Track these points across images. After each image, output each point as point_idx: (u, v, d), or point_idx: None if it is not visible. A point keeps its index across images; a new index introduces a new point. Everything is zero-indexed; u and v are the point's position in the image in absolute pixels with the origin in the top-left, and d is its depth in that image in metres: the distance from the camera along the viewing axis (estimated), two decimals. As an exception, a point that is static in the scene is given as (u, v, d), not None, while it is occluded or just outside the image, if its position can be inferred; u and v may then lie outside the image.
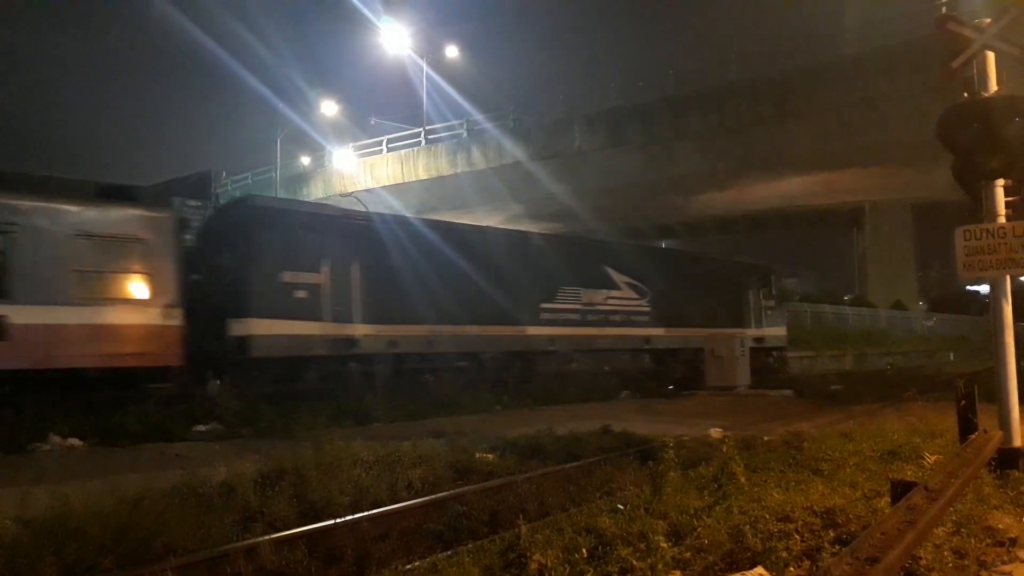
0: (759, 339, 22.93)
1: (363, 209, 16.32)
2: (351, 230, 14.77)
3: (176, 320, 12.37)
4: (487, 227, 21.09)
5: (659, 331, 20.01)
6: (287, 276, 13.46)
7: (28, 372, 10.96)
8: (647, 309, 19.96)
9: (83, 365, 11.53)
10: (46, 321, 11.22)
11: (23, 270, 11.14)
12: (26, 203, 11.40)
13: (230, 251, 13.48)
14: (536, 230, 31.67)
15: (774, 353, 24.13)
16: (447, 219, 20.93)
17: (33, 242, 11.23)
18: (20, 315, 10.91)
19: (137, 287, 12.17)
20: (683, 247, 49.10)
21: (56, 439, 10.20)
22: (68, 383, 11.30)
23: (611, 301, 19.15)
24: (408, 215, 19.98)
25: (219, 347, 12.91)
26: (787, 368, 24.74)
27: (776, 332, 24.13)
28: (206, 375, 12.95)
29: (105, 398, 11.39)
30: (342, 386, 13.75)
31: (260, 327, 13.04)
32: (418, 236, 15.52)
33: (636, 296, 19.78)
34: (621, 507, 4.92)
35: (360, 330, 14.24)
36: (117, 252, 12.07)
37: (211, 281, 13.26)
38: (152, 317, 12.19)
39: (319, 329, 13.75)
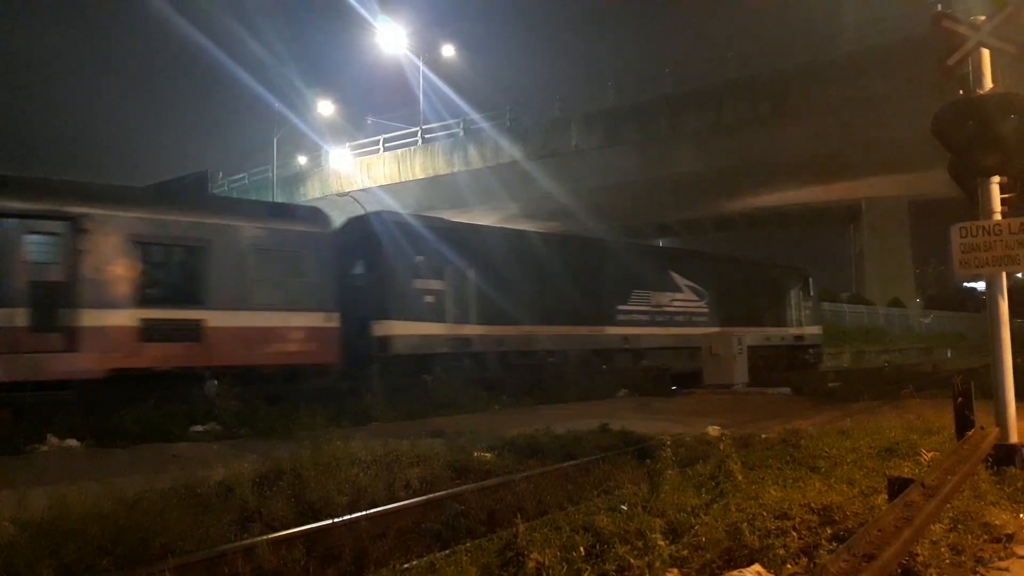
0: (799, 337, 25.15)
1: (452, 220, 18.58)
2: (466, 241, 16.88)
3: (333, 323, 14.36)
4: (574, 237, 24.80)
5: (717, 331, 21.44)
6: (417, 283, 15.62)
7: (220, 369, 12.93)
8: (705, 310, 22.10)
9: (262, 363, 13.59)
10: (233, 324, 13.25)
11: (214, 280, 13.23)
12: (216, 223, 13.48)
13: (368, 261, 15.49)
14: (532, 229, 31.76)
15: (810, 350, 26.06)
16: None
17: (222, 256, 13.35)
18: (213, 319, 12.98)
19: (303, 295, 14.11)
20: (681, 245, 49.16)
21: (54, 440, 10.20)
22: (248, 378, 13.04)
23: (675, 303, 21.34)
24: (518, 228, 22.63)
25: (364, 346, 14.84)
26: (821, 363, 26.32)
27: (813, 330, 26.14)
28: (356, 371, 14.59)
29: (119, 399, 11.47)
30: (458, 379, 15.46)
31: (397, 328, 15.22)
32: (519, 245, 18.09)
33: (696, 298, 21.94)
34: (624, 507, 4.92)
35: (475, 330, 16.38)
36: (286, 264, 14.14)
37: (352, 287, 15.05)
38: (315, 321, 14.17)
39: (443, 330, 15.94)
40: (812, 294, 26.47)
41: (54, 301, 11.63)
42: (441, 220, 18.21)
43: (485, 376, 16.04)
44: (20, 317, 11.32)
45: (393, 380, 14.39)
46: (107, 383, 11.85)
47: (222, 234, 13.38)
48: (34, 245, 11.67)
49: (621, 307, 19.85)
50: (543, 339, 17.67)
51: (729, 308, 22.79)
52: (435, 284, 15.86)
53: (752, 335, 21.79)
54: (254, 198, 42.53)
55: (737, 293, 23.34)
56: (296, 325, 13.95)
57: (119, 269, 12.26)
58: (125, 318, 12.20)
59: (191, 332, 12.79)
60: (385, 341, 15.05)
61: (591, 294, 18.96)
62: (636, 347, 19.72)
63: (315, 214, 15.60)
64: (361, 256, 15.57)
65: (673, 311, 21.26)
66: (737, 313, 22.92)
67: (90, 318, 11.88)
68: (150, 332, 12.39)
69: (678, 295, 21.53)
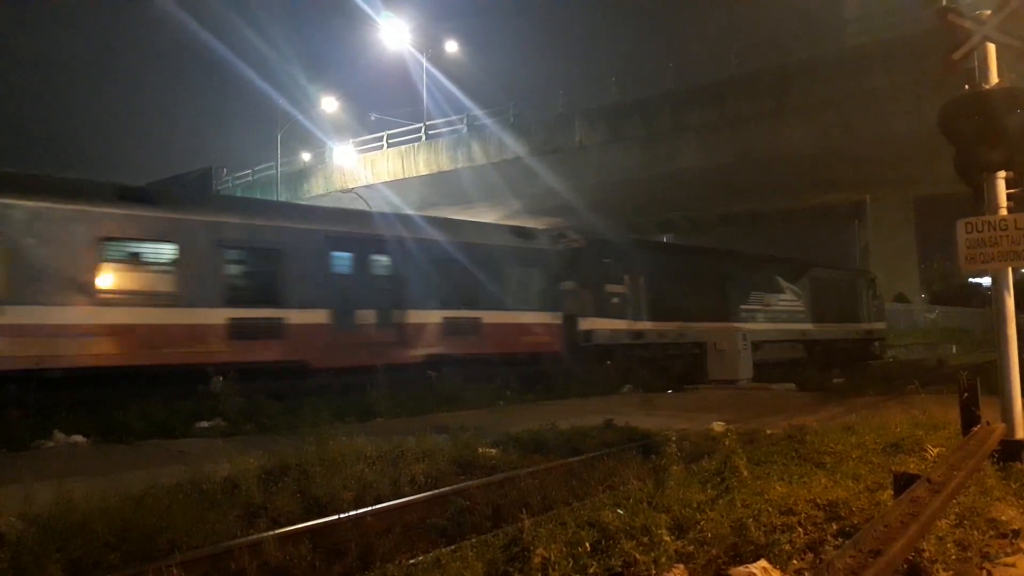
0: (869, 331, 29.23)
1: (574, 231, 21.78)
2: (640, 253, 21.55)
3: (559, 320, 18.48)
4: (713, 249, 28.86)
5: (810, 326, 25.94)
6: (607, 288, 19.54)
7: (492, 355, 16.86)
8: (802, 309, 25.98)
9: (517, 351, 17.56)
10: (499, 321, 17.19)
11: (487, 287, 17.02)
12: (489, 242, 17.73)
13: (577, 271, 19.20)
14: (536, 226, 31.68)
15: (876, 342, 30.01)
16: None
17: (500, 268, 17.36)
18: (487, 318, 16.99)
19: (541, 298, 18.30)
20: (684, 241, 49.13)
21: (60, 436, 10.23)
22: (510, 363, 17.07)
23: (781, 303, 25.25)
24: (674, 243, 27.19)
25: (572, 337, 18.60)
26: (884, 353, 30.30)
27: (879, 325, 30.15)
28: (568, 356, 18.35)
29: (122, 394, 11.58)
30: (633, 365, 19.27)
31: (596, 324, 19.23)
32: (674, 256, 23.79)
33: (795, 299, 25.81)
34: (620, 512, 4.91)
35: (645, 325, 20.30)
36: (534, 273, 18.27)
37: (564, 292, 19.10)
38: (548, 319, 18.32)
39: (624, 325, 19.85)
40: (878, 294, 30.37)
41: (391, 303, 15.65)
42: (622, 238, 22.72)
43: (654, 362, 20.14)
44: (371, 316, 15.35)
45: (589, 365, 18.44)
46: (424, 366, 15.67)
47: (497, 251, 17.55)
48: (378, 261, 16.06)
49: (743, 307, 23.78)
50: (692, 332, 21.36)
51: (819, 307, 26.52)
52: (619, 289, 19.85)
53: (838, 329, 26.93)
54: (258, 195, 42.59)
55: (824, 294, 26.98)
56: (537, 322, 18.09)
57: (438, 281, 16.32)
58: (437, 317, 16.19)
59: (475, 327, 16.75)
60: (588, 334, 19.08)
61: (724, 295, 23.16)
62: (754, 340, 22.34)
63: (545, 236, 20.01)
64: (571, 267, 19.22)
65: (779, 309, 25.14)
66: (825, 311, 26.73)
67: (414, 316, 15.93)
68: (451, 327, 16.32)
69: (782, 296, 25.44)
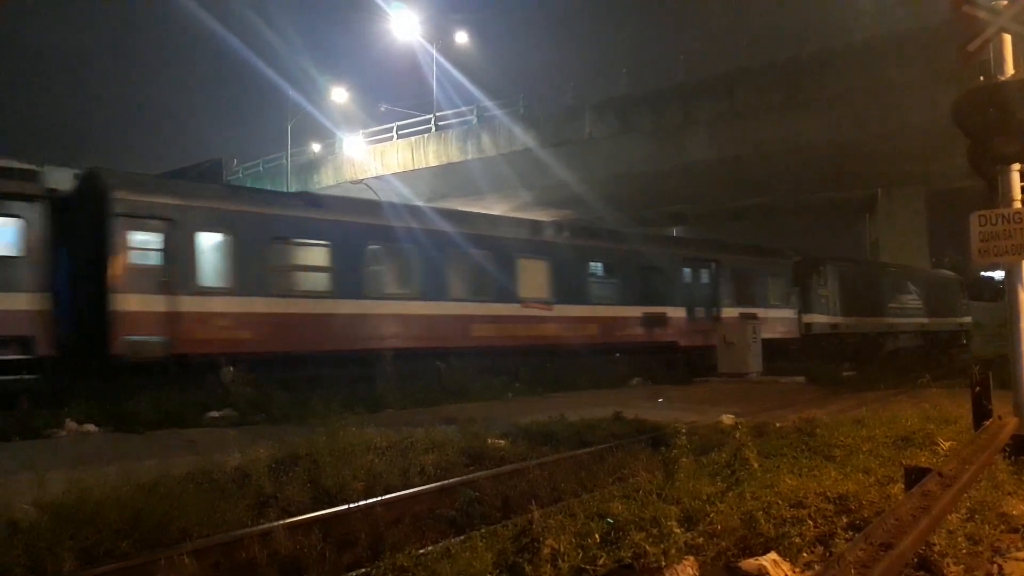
0: (960, 324, 35.43)
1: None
2: (832, 266, 27.60)
3: (795, 315, 25.05)
4: (874, 261, 37.42)
5: (926, 320, 33.44)
6: (820, 291, 26.39)
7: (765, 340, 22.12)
8: (923, 307, 33.11)
9: (773, 337, 23.03)
10: (768, 316, 23.45)
11: (761, 292, 24.23)
12: (736, 257, 24.46)
13: (799, 279, 25.71)
14: (545, 217, 31.64)
15: (964, 333, 35.09)
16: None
17: (765, 278, 24.67)
18: (760, 313, 23.08)
19: (783, 299, 25.08)
20: (695, 235, 49.00)
21: (72, 425, 10.29)
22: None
23: (910, 302, 32.40)
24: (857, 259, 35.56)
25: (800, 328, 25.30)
26: (971, 342, 33.87)
27: (967, 320, 35.39)
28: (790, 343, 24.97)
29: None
30: (824, 354, 24.51)
31: (813, 318, 25.86)
32: (850, 267, 29.31)
33: (917, 299, 32.89)
34: (616, 517, 4.89)
35: (841, 320, 27.22)
36: (780, 281, 25.07)
37: (796, 294, 25.59)
38: (789, 314, 25.07)
39: (828, 319, 26.66)
40: (965, 294, 36.87)
41: (711, 302, 22.69)
42: (824, 255, 29.07)
43: (842, 347, 26.61)
44: (703, 312, 22.32)
45: (809, 351, 24.37)
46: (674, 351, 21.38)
47: (764, 266, 24.88)
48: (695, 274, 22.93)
49: (890, 305, 30.90)
50: (866, 324, 28.73)
51: (930, 305, 33.60)
52: (824, 292, 26.59)
53: (942, 322, 34.45)
54: (269, 186, 42.61)
55: (933, 294, 34.25)
56: (785, 317, 24.80)
57: (736, 288, 23.34)
58: (735, 312, 22.63)
59: (756, 319, 22.30)
60: (809, 325, 25.58)
61: (885, 297, 30.61)
62: (894, 331, 30.97)
63: (781, 253, 26.38)
64: (796, 276, 25.68)
65: (909, 307, 32.23)
66: (934, 308, 33.90)
67: (727, 312, 22.52)
68: (692, 321, 21.92)
69: (910, 296, 32.55)
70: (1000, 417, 6.60)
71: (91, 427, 10.39)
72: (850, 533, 4.38)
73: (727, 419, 10.64)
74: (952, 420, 8.18)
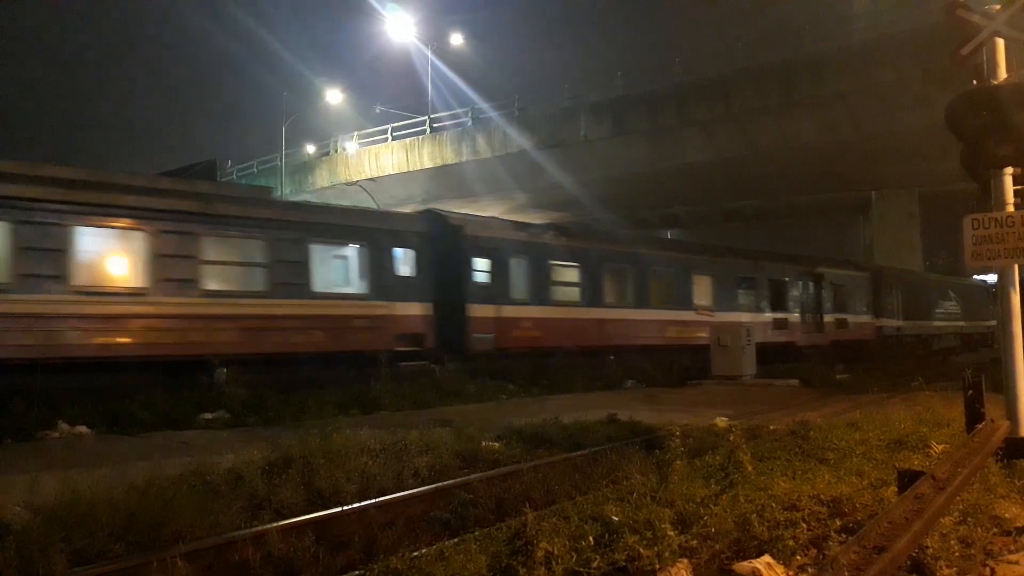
0: (988, 327, 38.21)
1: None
2: (895, 275, 32.69)
3: (872, 319, 30.17)
4: (925, 273, 40.84)
5: (963, 323, 39.48)
6: (888, 299, 31.32)
7: (849, 341, 28.32)
8: (959, 311, 39.05)
9: (852, 338, 28.48)
10: (854, 320, 28.87)
11: (850, 301, 29.09)
12: (841, 272, 29.31)
13: (874, 288, 30.43)
14: (541, 220, 31.67)
15: (991, 335, 37.09)
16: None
17: (852, 289, 29.26)
18: (849, 319, 28.64)
19: (864, 306, 29.96)
20: (689, 237, 49.08)
21: (65, 427, 10.26)
22: (844, 347, 27.49)
23: (950, 307, 38.34)
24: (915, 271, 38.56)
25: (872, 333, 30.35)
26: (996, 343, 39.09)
27: (994, 322, 43.66)
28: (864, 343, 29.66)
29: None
30: (889, 351, 29.60)
31: (884, 322, 30.82)
32: (909, 278, 34.47)
33: (955, 304, 38.79)
34: (616, 518, 4.88)
35: (903, 323, 32.30)
36: (862, 291, 29.78)
37: (872, 302, 30.56)
38: (867, 318, 29.94)
39: (893, 323, 31.65)
40: (994, 299, 41.19)
41: (820, 309, 27.47)
42: (889, 267, 33.82)
43: (902, 347, 31.37)
44: (812, 317, 27.18)
45: (880, 349, 29.19)
46: (829, 345, 27.04)
47: (852, 279, 29.49)
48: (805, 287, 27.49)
49: (936, 310, 36.47)
50: (920, 328, 34.08)
51: (966, 309, 39.75)
52: (891, 300, 31.65)
53: (975, 325, 40.10)
54: (262, 185, 42.56)
55: (968, 300, 40.47)
56: (867, 321, 29.78)
57: (835, 297, 28.26)
58: (831, 318, 27.86)
59: (846, 324, 28.29)
60: (880, 328, 30.53)
61: (933, 303, 36.16)
62: (940, 333, 36.41)
63: (859, 264, 32.05)
64: (871, 286, 30.41)
65: (949, 312, 37.94)
66: (969, 312, 40.00)
67: (828, 317, 27.56)
68: (840, 324, 28.07)
69: (950, 303, 38.49)
70: (993, 420, 6.61)
71: (84, 429, 10.36)
72: (843, 536, 4.39)
73: (721, 422, 10.63)
74: (945, 423, 8.20)
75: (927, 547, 4.12)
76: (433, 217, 17.82)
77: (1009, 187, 6.81)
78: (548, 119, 36.39)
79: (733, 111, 31.07)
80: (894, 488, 4.81)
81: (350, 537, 5.89)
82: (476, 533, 5.28)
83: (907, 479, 4.46)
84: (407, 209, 25.34)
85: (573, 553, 4.17)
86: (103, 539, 5.23)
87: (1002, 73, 6.82)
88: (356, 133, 44.01)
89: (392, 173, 40.64)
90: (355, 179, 41.24)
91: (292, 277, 14.21)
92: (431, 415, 11.64)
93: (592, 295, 19.92)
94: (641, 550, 4.15)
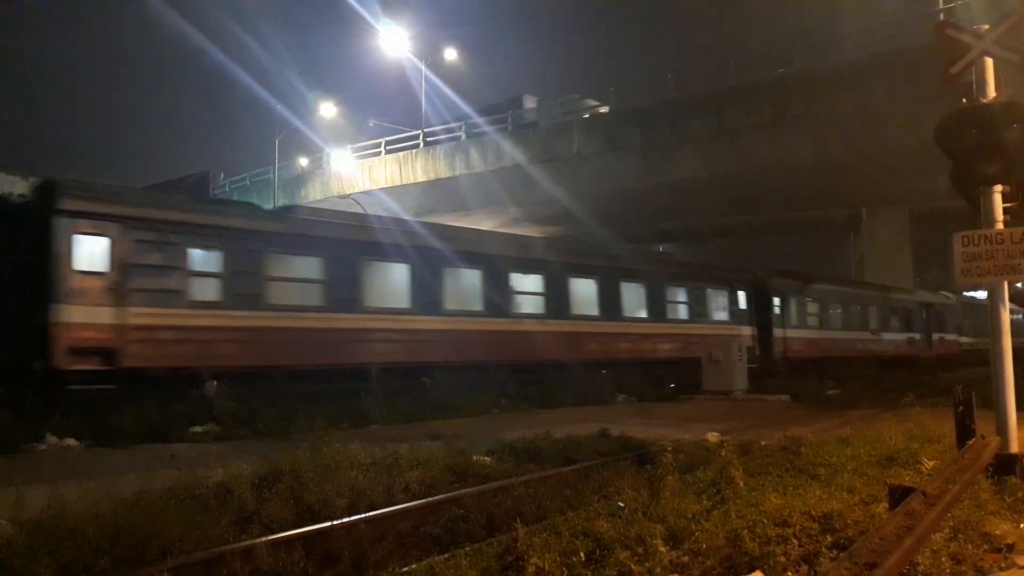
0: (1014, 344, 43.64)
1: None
2: (946, 298, 38.27)
3: (923, 336, 34.27)
4: (966, 300, 42.88)
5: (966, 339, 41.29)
6: (937, 319, 36.09)
7: (903, 357, 32.21)
8: None
9: (898, 354, 32.08)
10: (903, 338, 33.52)
11: (910, 322, 34.42)
12: (919, 299, 36.32)
13: (926, 308, 35.38)
14: (535, 233, 31.67)
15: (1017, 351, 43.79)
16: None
17: (908, 311, 34.36)
18: (909, 335, 34.12)
19: (917, 324, 34.76)
20: (681, 252, 49.24)
21: (52, 439, 10.17)
22: (897, 363, 30.74)
23: (983, 325, 39.67)
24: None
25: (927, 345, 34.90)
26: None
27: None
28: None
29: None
30: (938, 364, 32.73)
31: (962, 339, 38.31)
32: (953, 300, 39.42)
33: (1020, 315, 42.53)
34: (622, 504, 4.88)
35: (965, 340, 37.89)
36: (915, 314, 34.82)
37: (921, 319, 35.68)
38: (921, 336, 34.41)
39: (968, 339, 37.85)
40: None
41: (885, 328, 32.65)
42: (929, 291, 39.00)
43: (958, 362, 34.62)
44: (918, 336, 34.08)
45: (933, 361, 32.93)
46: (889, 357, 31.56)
47: (903, 303, 33.90)
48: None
49: (968, 328, 39.85)
50: (968, 344, 37.98)
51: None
52: (952, 316, 37.69)
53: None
54: (255, 199, 42.57)
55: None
56: (918, 339, 33.97)
57: (894, 319, 33.13)
58: (890, 335, 32.52)
59: (911, 341, 33.78)
60: (931, 344, 34.72)
61: (966, 322, 39.45)
62: (973, 348, 37.27)
63: (913, 291, 36.53)
64: (921, 307, 35.13)
65: (982, 330, 38.85)
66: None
67: (886, 335, 32.10)
68: (896, 341, 32.62)
69: (982, 321, 39.08)
70: (983, 436, 6.63)
71: (72, 441, 10.27)
72: (835, 552, 4.38)
73: (712, 437, 10.63)
74: (936, 439, 8.21)
75: (918, 563, 4.12)
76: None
77: (998, 204, 6.85)
78: (541, 134, 36.51)
79: (726, 128, 31.21)
80: (885, 504, 4.81)
81: (339, 552, 5.86)
82: (467, 548, 5.26)
83: (898, 495, 4.46)
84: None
85: (564, 569, 4.15)
86: (89, 553, 5.18)
87: (991, 92, 6.88)
88: (350, 146, 44.07)
89: (385, 186, 40.66)
90: (348, 192, 41.23)
91: None
92: (421, 429, 11.59)
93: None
94: (632, 566, 4.14)
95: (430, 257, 16.39)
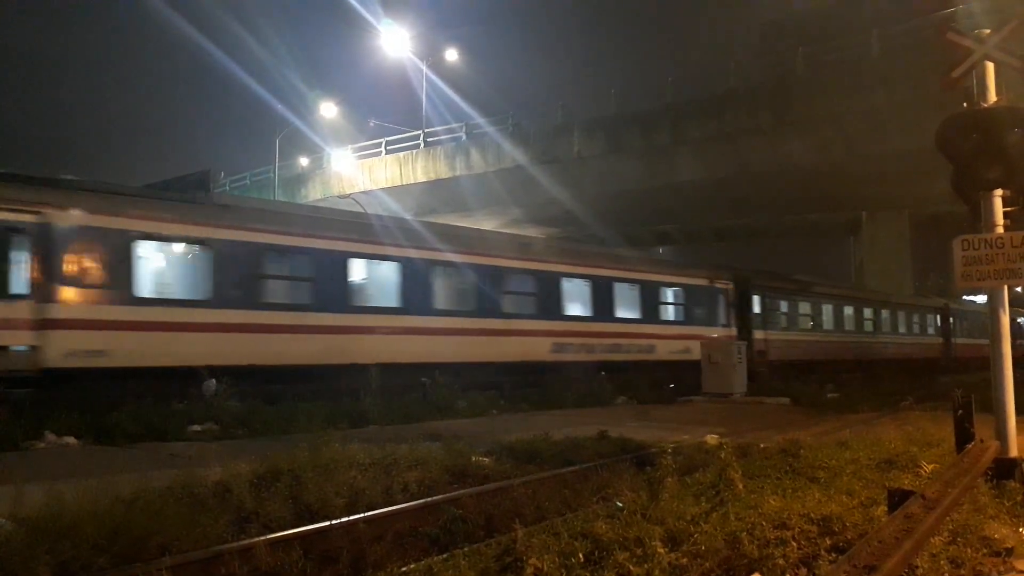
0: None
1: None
2: (962, 305, 41.71)
3: (943, 341, 38.66)
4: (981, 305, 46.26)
5: (1017, 342, 46.94)
6: (956, 324, 40.02)
7: (925, 358, 35.83)
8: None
9: (918, 356, 35.18)
10: (926, 343, 37.86)
11: (933, 327, 38.99)
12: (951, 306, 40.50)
13: (948, 315, 39.26)
14: (536, 234, 31.69)
15: None
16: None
17: (930, 317, 38.73)
18: (927, 340, 38.17)
19: (935, 328, 38.75)
20: (680, 255, 49.29)
21: (52, 437, 10.16)
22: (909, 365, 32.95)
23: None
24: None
25: (948, 349, 38.43)
26: None
27: None
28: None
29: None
30: (958, 367, 35.06)
31: (954, 341, 39.29)
32: (967, 312, 41.66)
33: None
34: (621, 506, 4.89)
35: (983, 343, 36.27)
36: (934, 319, 39.07)
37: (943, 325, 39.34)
38: (940, 341, 38.21)
39: (961, 341, 39.61)
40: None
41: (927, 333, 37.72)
42: (953, 299, 41.33)
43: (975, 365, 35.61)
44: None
45: (953, 364, 35.88)
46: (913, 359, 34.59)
47: (920, 311, 37.28)
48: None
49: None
50: (978, 348, 34.99)
51: (1015, 332, 52.81)
52: (963, 324, 40.86)
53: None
54: (256, 197, 42.57)
55: (1018, 324, 42.73)
56: (935, 344, 37.10)
57: (920, 324, 37.39)
58: (911, 339, 35.91)
59: (926, 345, 37.02)
60: (952, 348, 38.25)
61: (986, 326, 40.51)
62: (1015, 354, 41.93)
63: (935, 298, 40.39)
64: (941, 313, 38.63)
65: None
66: (1016, 334, 47.82)
67: (908, 339, 35.96)
68: (910, 344, 35.64)
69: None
70: (982, 440, 6.63)
71: (71, 440, 10.26)
72: (834, 555, 4.38)
73: (712, 439, 10.63)
74: (935, 443, 8.21)
75: (917, 567, 4.12)
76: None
77: (999, 208, 6.86)
78: (542, 135, 36.51)
79: (726, 131, 31.23)
80: (884, 508, 4.81)
81: (338, 552, 5.85)
82: (465, 549, 5.26)
83: (897, 498, 4.46)
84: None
85: (563, 570, 4.15)
86: (88, 551, 5.17)
87: (992, 96, 6.89)
88: (350, 146, 44.10)
89: (386, 186, 40.67)
90: (348, 192, 41.25)
91: None
92: (421, 429, 11.58)
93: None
94: (631, 567, 4.14)
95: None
